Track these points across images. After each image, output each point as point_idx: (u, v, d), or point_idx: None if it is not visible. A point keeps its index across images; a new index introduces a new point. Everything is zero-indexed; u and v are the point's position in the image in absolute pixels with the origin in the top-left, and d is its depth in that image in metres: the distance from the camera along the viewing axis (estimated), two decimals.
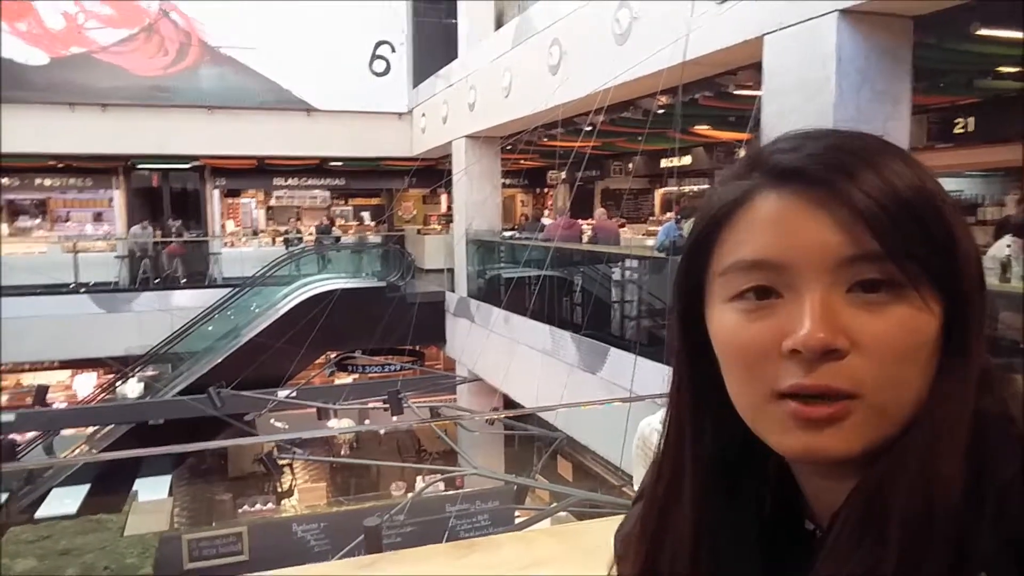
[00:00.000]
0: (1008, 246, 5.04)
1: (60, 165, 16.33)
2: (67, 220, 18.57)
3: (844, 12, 4.40)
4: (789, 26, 4.75)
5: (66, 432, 12.73)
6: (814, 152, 0.51)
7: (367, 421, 10.79)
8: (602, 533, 1.98)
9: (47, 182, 17.06)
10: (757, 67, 5.36)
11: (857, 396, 0.48)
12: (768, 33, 4.92)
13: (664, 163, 15.75)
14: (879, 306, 0.48)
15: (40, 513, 9.52)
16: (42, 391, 11.71)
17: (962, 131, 8.84)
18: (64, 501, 9.89)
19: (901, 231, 0.48)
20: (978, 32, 5.56)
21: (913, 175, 0.50)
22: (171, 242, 15.15)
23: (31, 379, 15.59)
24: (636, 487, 2.05)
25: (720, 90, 7.47)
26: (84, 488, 10.48)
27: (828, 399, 0.48)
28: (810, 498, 0.56)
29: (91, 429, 12.90)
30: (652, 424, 2.00)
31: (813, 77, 4.57)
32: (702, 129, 11.93)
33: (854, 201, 0.48)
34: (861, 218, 0.48)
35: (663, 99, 7.90)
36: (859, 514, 0.49)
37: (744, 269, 0.51)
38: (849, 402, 0.48)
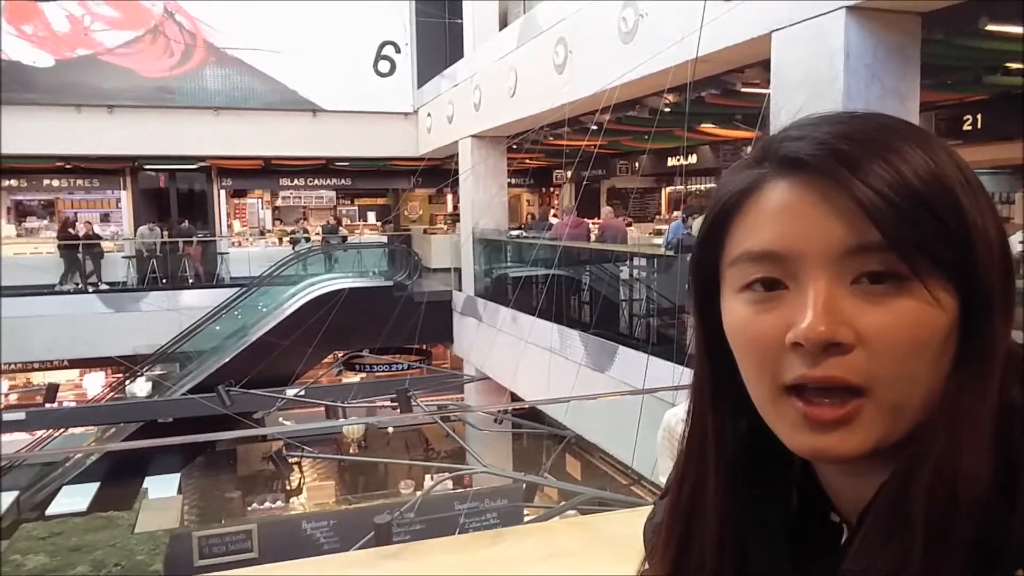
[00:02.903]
0: (1021, 243, 5.03)
1: (67, 166, 16.41)
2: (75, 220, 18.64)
3: (852, 9, 4.40)
4: (797, 23, 4.76)
5: (76, 430, 12.80)
6: (820, 140, 0.49)
7: (376, 419, 10.81)
8: (625, 523, 2.01)
9: (55, 183, 17.16)
10: (764, 64, 5.36)
11: (866, 391, 0.47)
12: (776, 30, 4.92)
13: (671, 162, 15.74)
14: (884, 298, 0.47)
15: (51, 510, 9.58)
16: (52, 389, 11.77)
17: (970, 128, 8.81)
18: (74, 498, 9.95)
19: (905, 220, 0.46)
20: (986, 28, 5.54)
21: (926, 160, 0.48)
22: (191, 242, 15.19)
23: (41, 378, 15.67)
24: (660, 477, 2.07)
25: (727, 88, 7.45)
26: (94, 486, 10.54)
27: (836, 397, 0.48)
28: (831, 492, 0.55)
29: (100, 428, 12.96)
30: (678, 415, 2.00)
31: (821, 74, 4.58)
32: (708, 127, 11.92)
33: (855, 191, 0.47)
34: (862, 208, 0.46)
35: (670, 97, 7.90)
36: (885, 513, 0.48)
37: (751, 260, 0.51)
38: (858, 401, 0.47)
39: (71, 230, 14.93)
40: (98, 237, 15.13)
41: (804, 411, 0.48)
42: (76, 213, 18.65)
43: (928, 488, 0.46)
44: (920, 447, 0.48)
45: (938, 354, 0.48)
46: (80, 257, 14.39)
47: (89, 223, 15.73)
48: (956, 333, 0.48)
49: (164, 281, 14.46)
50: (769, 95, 5.13)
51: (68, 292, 13.57)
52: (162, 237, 15.02)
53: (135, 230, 16.18)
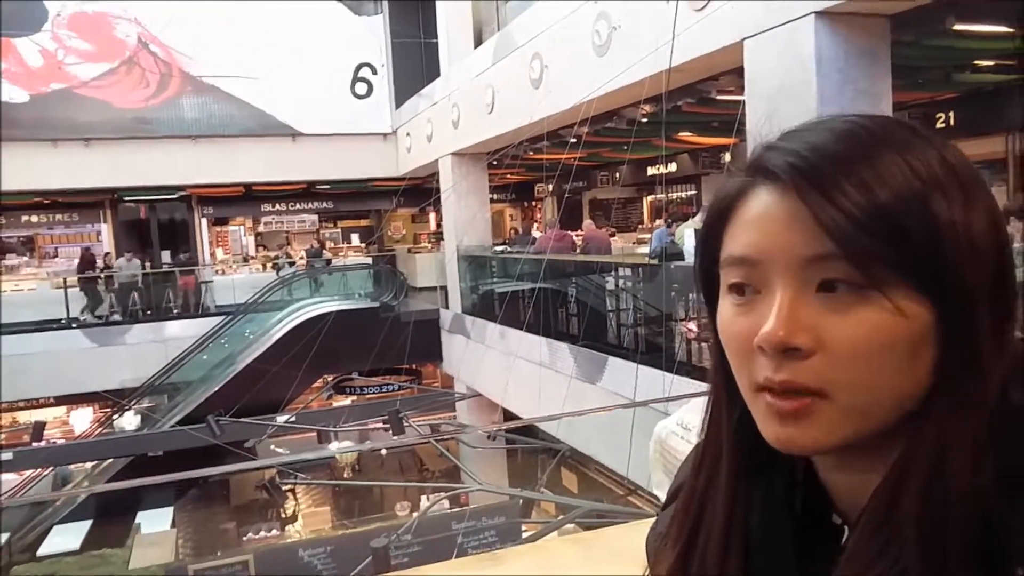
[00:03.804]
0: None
1: (46, 201, 16.29)
2: (55, 256, 18.50)
3: (821, 14, 4.46)
4: (768, 30, 4.82)
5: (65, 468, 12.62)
6: (793, 151, 0.51)
7: (367, 442, 10.74)
8: (623, 538, 2.01)
9: (34, 219, 17.03)
10: (738, 72, 5.42)
11: (823, 394, 0.49)
12: (748, 37, 4.99)
13: (651, 171, 15.84)
14: (845, 306, 0.49)
15: (43, 550, 9.43)
16: (39, 428, 11.62)
17: (944, 126, 8.93)
18: (66, 537, 9.80)
19: (864, 234, 0.47)
20: (954, 27, 5.64)
21: (901, 168, 0.49)
22: (191, 271, 15.14)
23: (27, 416, 15.46)
24: (655, 490, 2.07)
25: (702, 96, 7.52)
26: (86, 524, 10.39)
27: (797, 394, 0.50)
28: (834, 494, 0.56)
29: (90, 464, 12.80)
30: (668, 427, 2.00)
31: (795, 79, 4.64)
32: (686, 135, 12.01)
33: (811, 203, 0.49)
34: (818, 220, 0.48)
35: (646, 108, 7.96)
36: (879, 516, 0.49)
37: (733, 264, 0.54)
38: (816, 400, 0.49)
39: (97, 264, 15.02)
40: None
41: (768, 403, 0.51)
42: (57, 248, 18.58)
43: (920, 490, 0.47)
44: (910, 450, 0.49)
45: (903, 361, 0.49)
46: (101, 290, 14.41)
47: (109, 254, 15.70)
48: (934, 339, 0.49)
49: (148, 312, 14.33)
50: (744, 102, 5.18)
51: (53, 328, 13.39)
52: (142, 267, 14.90)
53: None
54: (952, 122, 8.86)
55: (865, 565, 0.48)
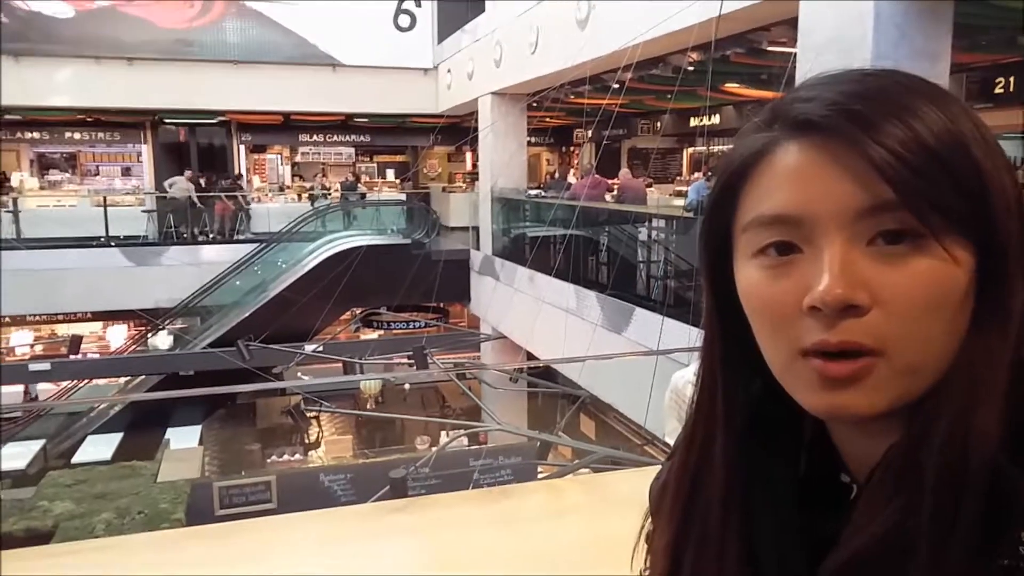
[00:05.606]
0: None
1: (89, 119, 16.46)
2: (96, 174, 18.78)
3: None
4: None
5: (100, 382, 13.05)
6: (831, 100, 0.49)
7: (392, 375, 10.91)
8: (629, 483, 2.04)
9: (76, 136, 17.25)
10: (791, 23, 5.24)
11: (880, 353, 0.47)
12: None
13: (693, 122, 15.52)
14: (900, 258, 0.47)
15: (76, 458, 9.82)
16: (76, 341, 12.01)
17: (1002, 91, 8.60)
18: (99, 448, 10.20)
19: (920, 178, 0.46)
20: None
21: (940, 117, 0.48)
22: (234, 196, 15.33)
23: (65, 330, 15.96)
24: (668, 438, 2.08)
25: (752, 47, 7.31)
26: (118, 436, 10.78)
27: (851, 356, 0.47)
28: (846, 454, 0.55)
29: (123, 379, 13.21)
30: (686, 376, 2.01)
31: (850, 33, 4.46)
32: (732, 87, 11.71)
33: (868, 151, 0.46)
34: (875, 167, 0.46)
35: (694, 56, 7.76)
36: (896, 467, 0.48)
37: (764, 224, 0.50)
38: (872, 359, 0.47)
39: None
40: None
41: (819, 368, 0.48)
42: (98, 166, 18.85)
43: (941, 444, 0.46)
44: (935, 405, 0.48)
45: (955, 313, 0.47)
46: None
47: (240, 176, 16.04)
48: (973, 290, 0.48)
49: (186, 236, 14.55)
50: (795, 55, 5.02)
51: (92, 245, 13.66)
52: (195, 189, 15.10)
53: (156, 184, 16.27)
54: (1012, 87, 8.54)
55: (878, 513, 0.48)
